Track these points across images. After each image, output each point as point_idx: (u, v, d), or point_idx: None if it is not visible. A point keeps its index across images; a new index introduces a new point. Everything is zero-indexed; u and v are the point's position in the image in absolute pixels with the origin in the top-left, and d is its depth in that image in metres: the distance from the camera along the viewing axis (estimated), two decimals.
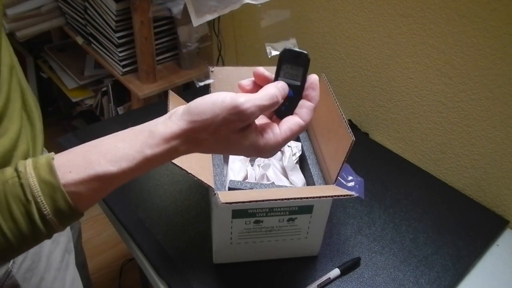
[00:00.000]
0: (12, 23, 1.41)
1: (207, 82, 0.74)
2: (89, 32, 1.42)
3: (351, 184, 0.88)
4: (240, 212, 0.62)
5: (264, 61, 1.31)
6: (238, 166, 0.73)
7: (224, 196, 0.56)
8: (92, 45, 1.45)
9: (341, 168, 0.61)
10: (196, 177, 0.56)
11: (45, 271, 0.60)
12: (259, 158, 0.77)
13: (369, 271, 0.72)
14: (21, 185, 0.38)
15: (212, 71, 0.75)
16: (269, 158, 0.75)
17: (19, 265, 0.56)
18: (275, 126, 0.44)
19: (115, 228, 0.82)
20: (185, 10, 1.19)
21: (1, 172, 0.39)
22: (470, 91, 0.84)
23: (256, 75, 0.46)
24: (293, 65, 0.44)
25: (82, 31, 1.47)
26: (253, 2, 0.73)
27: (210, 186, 0.59)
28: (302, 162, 0.76)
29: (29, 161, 0.39)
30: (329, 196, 0.60)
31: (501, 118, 0.81)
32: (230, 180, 0.68)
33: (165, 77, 1.38)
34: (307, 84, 0.46)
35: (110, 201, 0.81)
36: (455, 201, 0.87)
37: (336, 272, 0.70)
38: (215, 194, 0.58)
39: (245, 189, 0.66)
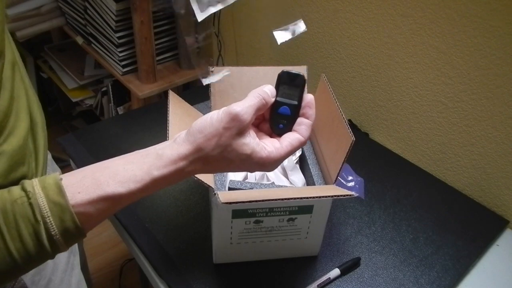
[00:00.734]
0: (12, 23, 1.41)
1: (212, 81, 0.74)
2: (89, 32, 1.42)
3: (351, 184, 0.88)
4: (240, 212, 0.62)
5: (264, 61, 1.32)
6: None
7: (224, 196, 0.56)
8: (92, 45, 1.45)
9: (341, 168, 0.61)
10: (196, 177, 0.56)
11: (52, 274, 0.61)
12: None
13: (369, 271, 0.72)
14: (30, 204, 0.38)
15: (212, 71, 0.75)
16: None
17: None
18: (276, 141, 0.47)
19: (115, 228, 0.82)
20: (187, 6, 1.19)
21: (8, 191, 0.39)
22: (470, 91, 0.84)
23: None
24: (290, 86, 0.48)
25: (82, 31, 1.47)
26: None
27: (210, 186, 0.59)
28: (302, 162, 0.76)
29: (36, 181, 0.40)
30: (329, 196, 0.60)
31: (501, 118, 0.81)
32: (230, 180, 0.68)
33: (165, 77, 1.38)
34: (304, 103, 0.48)
35: None
36: (455, 201, 0.87)
37: (336, 272, 0.70)
38: (215, 194, 0.58)
39: (245, 189, 0.66)
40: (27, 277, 0.56)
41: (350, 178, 0.89)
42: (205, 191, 0.83)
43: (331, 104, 0.68)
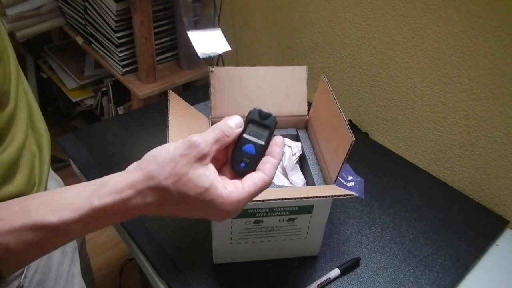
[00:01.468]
0: (12, 23, 1.41)
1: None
2: (89, 32, 1.42)
3: (351, 184, 0.88)
4: None
5: (264, 61, 1.32)
6: None
7: None
8: (92, 45, 1.45)
9: (341, 168, 0.61)
10: None
11: (55, 283, 0.60)
12: None
13: (369, 271, 0.72)
14: None
15: (212, 71, 0.75)
16: None
17: (31, 278, 0.55)
18: (237, 181, 0.41)
19: (115, 228, 0.82)
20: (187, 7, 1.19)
21: None
22: (470, 91, 0.84)
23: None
24: (260, 125, 0.44)
25: (82, 31, 1.47)
26: None
27: None
28: (302, 162, 0.76)
29: None
30: (329, 196, 0.60)
31: (501, 118, 0.81)
32: None
33: (165, 77, 1.38)
34: (271, 143, 0.44)
35: None
36: (455, 201, 0.87)
37: (336, 272, 0.70)
38: None
39: None
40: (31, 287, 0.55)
41: (350, 178, 0.89)
42: None
43: (331, 104, 0.68)
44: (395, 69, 0.95)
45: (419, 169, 0.96)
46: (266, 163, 0.42)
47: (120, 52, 1.32)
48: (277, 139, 0.44)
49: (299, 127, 0.80)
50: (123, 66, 1.35)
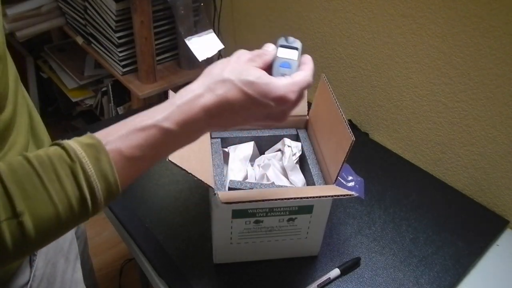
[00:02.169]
0: (12, 23, 1.41)
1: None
2: (89, 32, 1.42)
3: (351, 184, 0.88)
4: (240, 212, 0.62)
5: None
6: (238, 166, 0.73)
7: (224, 196, 0.56)
8: (92, 45, 1.45)
9: (341, 168, 0.61)
10: (196, 177, 0.56)
11: None
12: (259, 158, 0.77)
13: (369, 271, 0.72)
14: (64, 148, 0.37)
15: None
16: (269, 158, 0.75)
17: (37, 287, 0.56)
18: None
19: (115, 228, 0.82)
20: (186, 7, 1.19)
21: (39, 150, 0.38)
22: (470, 91, 0.84)
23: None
24: (288, 48, 0.52)
25: (82, 31, 1.47)
26: None
27: (210, 186, 0.59)
28: (302, 162, 0.76)
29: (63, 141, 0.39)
30: (329, 196, 0.60)
31: (501, 118, 0.81)
32: (230, 180, 0.68)
33: (165, 77, 1.38)
34: (302, 59, 0.51)
35: None
36: (455, 201, 0.87)
37: (336, 272, 0.70)
38: (215, 194, 0.58)
39: (245, 189, 0.66)
40: None
41: (350, 178, 0.89)
42: (205, 191, 0.83)
43: (331, 104, 0.68)
44: (395, 69, 0.95)
45: (419, 169, 0.96)
46: (303, 69, 0.49)
47: (120, 52, 1.32)
48: (306, 56, 0.51)
49: (299, 127, 0.80)
50: (123, 66, 1.35)
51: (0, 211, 0.34)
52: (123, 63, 1.35)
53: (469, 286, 0.72)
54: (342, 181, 0.88)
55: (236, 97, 0.43)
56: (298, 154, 0.76)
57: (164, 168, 0.88)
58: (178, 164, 0.55)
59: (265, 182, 0.72)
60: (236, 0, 1.31)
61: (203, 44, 0.79)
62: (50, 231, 0.37)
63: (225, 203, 0.55)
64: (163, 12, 1.33)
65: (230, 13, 1.36)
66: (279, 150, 0.78)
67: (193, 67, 1.42)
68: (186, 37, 0.83)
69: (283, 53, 0.51)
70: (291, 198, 0.57)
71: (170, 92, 0.70)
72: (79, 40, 1.50)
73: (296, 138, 0.79)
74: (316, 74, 0.98)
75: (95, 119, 1.80)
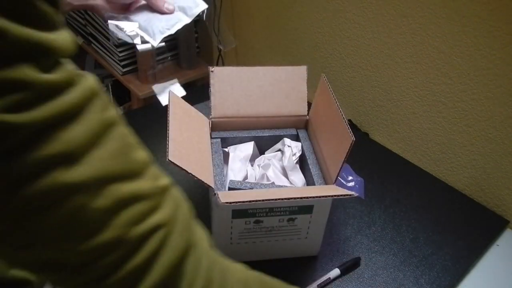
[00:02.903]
0: None
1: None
2: (89, 32, 1.42)
3: (351, 184, 0.88)
4: (240, 212, 0.62)
5: (264, 61, 1.32)
6: (238, 166, 0.73)
7: (224, 196, 0.56)
8: (92, 45, 1.45)
9: (341, 168, 0.62)
10: (196, 177, 0.56)
11: None
12: (259, 158, 0.77)
13: (369, 271, 0.72)
14: None
15: (212, 71, 0.75)
16: (269, 158, 0.75)
17: None
18: None
19: None
20: None
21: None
22: (470, 91, 0.84)
23: None
24: None
25: (82, 31, 1.47)
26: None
27: (210, 186, 0.59)
28: (302, 162, 0.76)
29: None
30: (329, 196, 0.60)
31: (501, 118, 0.81)
32: (230, 180, 0.68)
33: (165, 77, 1.38)
34: None
35: None
36: (455, 201, 0.87)
37: (336, 272, 0.70)
38: (215, 194, 0.58)
39: (245, 189, 0.66)
40: None
41: (350, 178, 0.89)
42: (205, 191, 0.83)
43: (331, 104, 0.68)
44: (395, 69, 0.95)
45: (419, 169, 0.96)
46: None
47: (120, 52, 1.32)
48: None
49: (299, 127, 0.80)
50: (123, 66, 1.35)
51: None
52: (123, 63, 1.35)
53: (469, 286, 0.72)
54: (342, 181, 0.88)
55: None
56: (298, 154, 0.76)
57: (164, 168, 0.88)
58: (178, 164, 0.55)
59: (265, 182, 0.72)
60: (236, 0, 1.31)
61: (166, 90, 0.82)
62: None
63: (225, 203, 0.55)
64: None
65: (230, 13, 1.36)
66: (279, 150, 0.78)
67: (193, 67, 1.42)
68: (153, 84, 0.87)
69: None
70: (291, 198, 0.57)
71: (170, 92, 0.70)
72: (79, 40, 1.50)
73: (296, 138, 0.79)
74: (316, 74, 0.98)
75: None
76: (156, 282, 0.29)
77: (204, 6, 0.77)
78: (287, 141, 0.77)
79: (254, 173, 0.74)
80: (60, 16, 0.25)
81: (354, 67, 1.05)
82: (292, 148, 0.76)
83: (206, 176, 0.60)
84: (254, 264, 0.71)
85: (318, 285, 0.68)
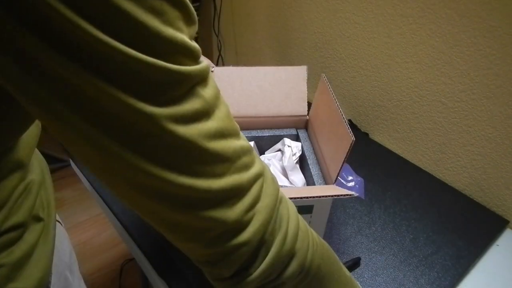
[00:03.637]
0: None
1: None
2: None
3: (351, 184, 0.88)
4: None
5: (264, 61, 1.32)
6: None
7: None
8: None
9: (341, 168, 0.61)
10: None
11: None
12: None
13: (369, 271, 0.72)
14: None
15: (212, 71, 0.75)
16: (269, 158, 0.75)
17: None
18: None
19: (115, 228, 0.82)
20: None
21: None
22: (470, 91, 0.84)
23: None
24: None
25: None
26: None
27: None
28: (302, 162, 0.76)
29: None
30: (329, 196, 0.60)
31: (501, 118, 0.81)
32: None
33: None
34: None
35: (110, 201, 0.81)
36: (455, 201, 0.87)
37: None
38: None
39: None
40: None
41: (350, 178, 0.89)
42: None
43: (331, 104, 0.68)
44: (395, 69, 0.95)
45: (419, 169, 0.96)
46: None
47: None
48: None
49: (299, 127, 0.80)
50: None
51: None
52: None
53: (469, 286, 0.72)
54: (342, 181, 0.88)
55: None
56: (298, 154, 0.76)
57: None
58: None
59: None
60: (236, 0, 1.31)
61: None
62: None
63: None
64: None
65: (230, 13, 1.36)
66: (279, 150, 0.78)
67: None
68: None
69: None
70: (291, 198, 0.57)
71: None
72: None
73: (296, 138, 0.79)
74: (316, 74, 0.98)
75: None
76: (261, 222, 0.34)
77: None
78: (287, 141, 0.77)
79: None
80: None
81: (354, 67, 1.05)
82: (292, 148, 0.76)
83: None
84: None
85: None
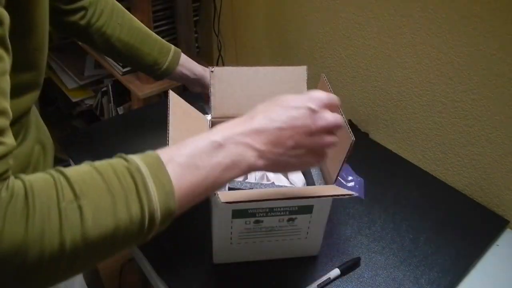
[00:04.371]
0: None
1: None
2: None
3: (351, 184, 0.88)
4: (240, 212, 0.62)
5: (264, 61, 1.32)
6: None
7: (224, 196, 0.56)
8: None
9: (341, 168, 0.62)
10: None
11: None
12: None
13: (369, 271, 0.72)
14: (125, 159, 0.40)
15: (212, 71, 0.75)
16: None
17: None
18: None
19: None
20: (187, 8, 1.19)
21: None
22: (470, 91, 0.84)
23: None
24: None
25: None
26: None
27: None
28: None
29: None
30: (329, 196, 0.60)
31: (501, 118, 0.81)
32: None
33: None
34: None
35: None
36: (455, 201, 0.87)
37: (336, 272, 0.70)
38: (215, 194, 0.58)
39: (245, 189, 0.66)
40: None
41: (350, 178, 0.89)
42: None
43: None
44: (395, 69, 0.95)
45: (419, 169, 0.96)
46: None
47: None
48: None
49: None
50: (123, 66, 1.35)
51: (64, 196, 0.35)
52: None
53: (469, 286, 0.72)
54: (342, 181, 0.88)
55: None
56: None
57: None
58: None
59: (265, 182, 0.72)
60: (236, 0, 1.31)
61: None
62: (106, 237, 0.36)
63: (225, 203, 0.55)
64: (163, 12, 1.33)
65: (230, 13, 1.36)
66: None
67: None
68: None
69: None
70: (291, 198, 0.57)
71: (170, 92, 0.70)
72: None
73: None
74: (316, 74, 0.98)
75: (95, 119, 1.80)
76: None
77: None
78: None
79: (254, 173, 0.74)
80: None
81: (354, 67, 1.05)
82: None
83: None
84: (254, 264, 0.72)
85: (318, 285, 0.68)
